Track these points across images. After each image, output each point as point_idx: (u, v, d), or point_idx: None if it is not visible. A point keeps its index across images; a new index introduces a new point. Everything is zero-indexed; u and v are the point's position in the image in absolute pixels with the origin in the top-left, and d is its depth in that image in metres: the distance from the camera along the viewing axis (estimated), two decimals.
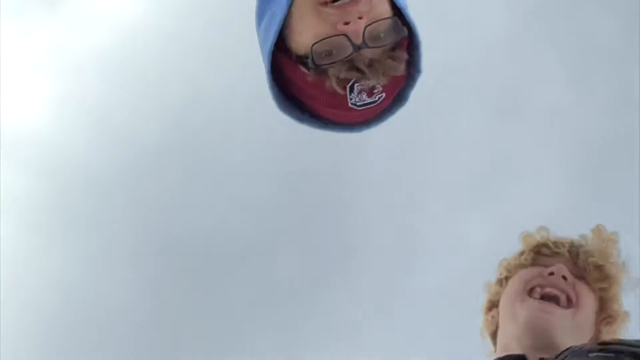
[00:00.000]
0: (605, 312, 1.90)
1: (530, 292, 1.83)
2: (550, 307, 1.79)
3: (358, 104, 1.61)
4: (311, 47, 1.58)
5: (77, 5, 5.43)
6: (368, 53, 1.58)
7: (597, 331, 1.89)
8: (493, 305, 1.94)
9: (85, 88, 5.38)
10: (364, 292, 5.24)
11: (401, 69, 1.62)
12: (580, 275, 1.87)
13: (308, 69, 1.62)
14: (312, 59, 1.58)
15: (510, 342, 1.85)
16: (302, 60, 1.63)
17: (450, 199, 4.93)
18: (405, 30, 1.62)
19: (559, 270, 1.81)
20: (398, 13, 1.65)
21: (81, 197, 5.37)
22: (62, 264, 5.33)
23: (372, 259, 5.31)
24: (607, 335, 1.88)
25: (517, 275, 1.88)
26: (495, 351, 1.91)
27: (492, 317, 1.94)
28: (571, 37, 5.47)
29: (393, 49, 1.62)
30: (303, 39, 1.60)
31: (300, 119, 1.76)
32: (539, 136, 5.41)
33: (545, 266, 1.86)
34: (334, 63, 1.58)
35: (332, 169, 5.51)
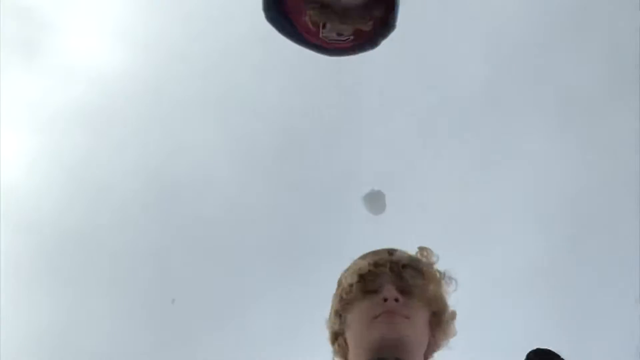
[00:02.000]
0: (436, 316, 2.02)
1: (373, 319, 1.94)
2: (392, 319, 1.91)
3: (329, 38, 1.85)
4: None
5: (53, 58, 5.44)
6: (346, 2, 1.80)
7: (432, 330, 2.02)
8: (337, 334, 2.05)
9: (60, 142, 5.36)
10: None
11: (369, 24, 1.85)
12: (406, 290, 1.97)
13: None
14: None
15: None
16: None
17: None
18: None
19: (390, 294, 1.92)
20: None
21: (57, 251, 5.33)
22: (38, 316, 5.27)
23: None
24: (442, 334, 2.04)
25: (356, 311, 1.98)
26: None
27: (339, 345, 2.05)
28: (550, 88, 5.54)
29: (367, 5, 1.84)
30: None
31: (283, 27, 1.99)
32: (518, 186, 5.44)
33: (375, 291, 1.96)
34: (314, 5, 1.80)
35: (315, 221, 5.50)
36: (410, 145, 5.24)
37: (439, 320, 2.04)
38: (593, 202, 5.40)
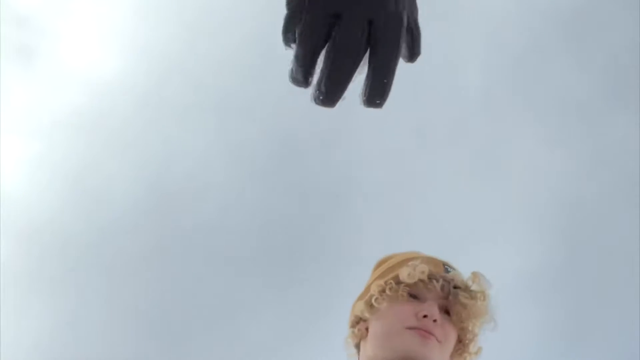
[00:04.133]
0: (462, 344, 2.01)
1: (406, 328, 1.92)
2: (427, 338, 1.88)
3: None
4: None
5: (51, 65, 5.43)
6: None
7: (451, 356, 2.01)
8: (360, 320, 2.02)
9: (58, 149, 5.36)
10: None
11: None
12: (447, 309, 1.96)
13: None
14: None
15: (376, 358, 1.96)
16: None
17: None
18: None
19: (431, 313, 1.90)
20: None
21: (56, 259, 5.31)
22: (38, 325, 5.25)
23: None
24: None
25: (391, 309, 1.95)
26: (357, 356, 2.03)
27: (359, 330, 2.02)
28: (547, 95, 5.54)
29: None
30: None
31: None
32: (515, 195, 5.44)
33: (418, 299, 1.94)
34: None
35: (309, 230, 5.50)
36: (408, 150, 5.24)
37: (463, 349, 2.03)
38: (591, 208, 5.40)
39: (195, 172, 4.97)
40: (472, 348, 2.03)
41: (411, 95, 5.15)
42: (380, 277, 2.07)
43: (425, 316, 1.90)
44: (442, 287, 1.94)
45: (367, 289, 2.07)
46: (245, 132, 5.32)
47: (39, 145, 5.34)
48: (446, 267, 2.01)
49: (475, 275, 2.02)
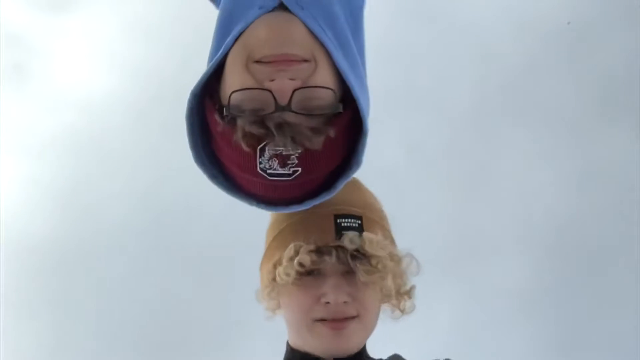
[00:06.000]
0: (387, 296, 1.83)
1: (313, 321, 1.74)
2: (340, 329, 1.71)
3: (268, 171, 1.45)
4: (230, 95, 1.49)
5: (43, 86, 5.44)
6: (289, 117, 1.44)
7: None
8: (272, 285, 1.80)
9: (50, 168, 5.35)
10: None
11: (316, 142, 1.45)
12: (352, 271, 1.73)
13: (223, 117, 1.52)
14: (228, 107, 1.49)
15: (300, 345, 1.79)
16: (221, 108, 1.53)
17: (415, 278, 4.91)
18: (340, 107, 1.50)
19: (335, 298, 1.69)
20: (345, 88, 1.55)
21: (48, 277, 5.30)
22: (30, 344, 5.23)
23: None
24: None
25: (291, 297, 1.75)
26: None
27: (272, 297, 1.83)
28: (538, 113, 5.54)
29: (324, 123, 1.49)
30: (228, 90, 1.52)
31: (214, 177, 1.67)
32: (507, 215, 5.43)
33: (317, 274, 1.72)
34: (243, 115, 1.46)
35: None
36: (397, 166, 5.24)
37: (392, 297, 1.83)
38: (583, 225, 5.40)
39: (188, 190, 4.96)
40: (401, 294, 1.85)
41: (401, 110, 5.16)
42: (268, 256, 1.84)
43: (328, 303, 1.72)
44: (338, 258, 1.71)
45: (266, 254, 1.87)
46: None
47: (30, 163, 5.33)
48: (339, 225, 1.71)
49: (369, 236, 1.73)
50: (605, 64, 5.51)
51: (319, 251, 1.69)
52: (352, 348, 1.76)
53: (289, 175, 1.46)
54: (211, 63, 1.58)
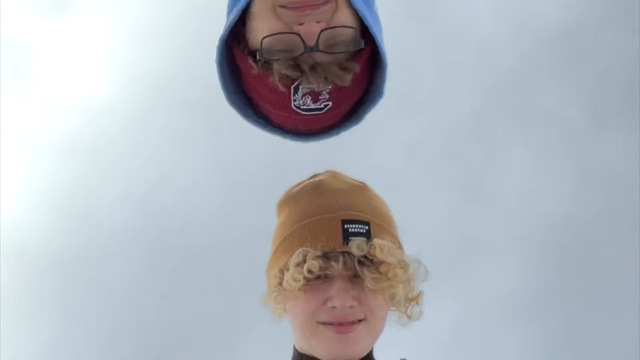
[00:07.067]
0: (394, 302, 1.80)
1: (317, 323, 1.74)
2: (346, 333, 1.71)
3: (302, 107, 1.61)
4: (261, 40, 1.60)
5: (42, 90, 5.44)
6: (318, 57, 1.60)
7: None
8: (278, 289, 1.79)
9: (49, 173, 5.35)
10: None
11: (346, 79, 1.62)
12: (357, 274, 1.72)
13: (256, 62, 1.64)
14: (261, 51, 1.61)
15: (306, 348, 1.80)
16: (253, 53, 1.65)
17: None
18: (362, 43, 1.64)
19: (342, 303, 1.69)
20: (364, 27, 1.67)
21: (45, 284, 5.30)
22: (29, 347, 5.23)
23: None
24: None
25: (297, 301, 1.74)
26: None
27: (278, 302, 1.82)
28: (537, 119, 5.55)
29: (348, 59, 1.65)
30: (258, 35, 1.63)
31: (247, 115, 1.79)
32: (505, 219, 5.44)
33: (323, 278, 1.71)
34: (279, 59, 1.59)
35: None
36: (397, 171, 5.25)
37: (400, 304, 1.82)
38: (581, 230, 5.41)
39: (187, 195, 4.97)
40: (409, 299, 1.83)
41: (401, 115, 5.17)
42: (275, 260, 1.85)
43: (335, 307, 1.72)
44: (345, 263, 1.69)
45: (273, 258, 1.88)
46: (237, 156, 5.33)
47: (29, 167, 5.34)
48: (346, 230, 1.71)
49: (378, 242, 1.71)
50: (603, 72, 5.52)
51: (326, 256, 1.69)
52: (359, 352, 1.74)
53: (321, 109, 1.62)
54: (237, 8, 1.66)
